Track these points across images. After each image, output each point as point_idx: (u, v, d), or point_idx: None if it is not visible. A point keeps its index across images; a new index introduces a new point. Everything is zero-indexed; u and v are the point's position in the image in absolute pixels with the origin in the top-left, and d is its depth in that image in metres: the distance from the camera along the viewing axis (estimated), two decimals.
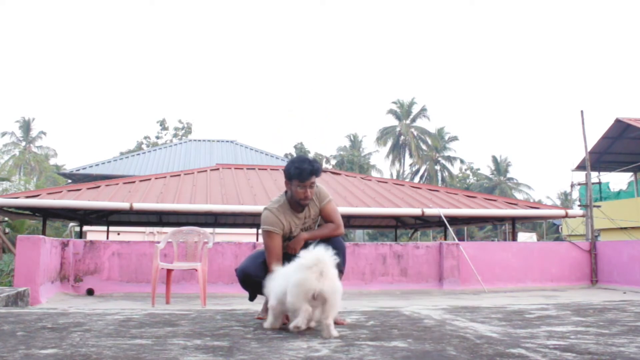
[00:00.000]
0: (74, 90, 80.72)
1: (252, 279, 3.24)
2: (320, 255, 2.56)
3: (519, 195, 42.31)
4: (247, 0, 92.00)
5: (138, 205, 9.16)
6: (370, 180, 13.12)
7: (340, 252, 3.20)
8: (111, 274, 7.59)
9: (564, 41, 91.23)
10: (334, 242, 3.21)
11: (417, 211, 10.13)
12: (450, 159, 45.06)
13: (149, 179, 11.55)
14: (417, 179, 43.80)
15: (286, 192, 3.34)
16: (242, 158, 25.65)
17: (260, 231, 3.37)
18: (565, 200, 39.44)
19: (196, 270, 6.24)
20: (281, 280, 2.76)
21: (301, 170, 3.17)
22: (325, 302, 2.55)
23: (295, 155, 35.69)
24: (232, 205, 9.60)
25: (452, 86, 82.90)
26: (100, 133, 74.78)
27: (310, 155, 33.68)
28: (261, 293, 3.36)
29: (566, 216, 11.24)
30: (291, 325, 2.63)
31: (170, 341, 2.52)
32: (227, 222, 15.13)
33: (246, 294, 3.44)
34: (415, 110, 45.39)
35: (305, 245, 3.21)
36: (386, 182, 12.94)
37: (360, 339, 2.59)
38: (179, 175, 12.08)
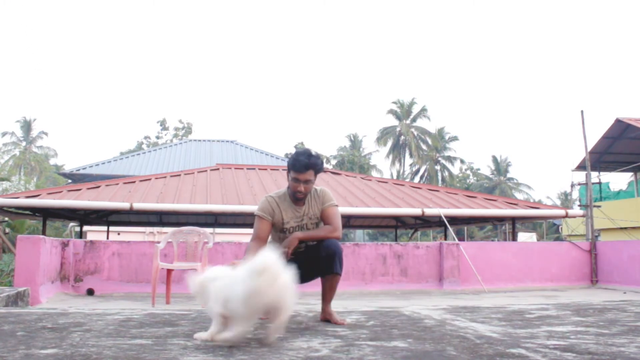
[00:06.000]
0: (74, 91, 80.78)
1: None
2: (270, 260, 2.23)
3: (519, 195, 42.31)
4: (248, 1, 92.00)
5: (138, 205, 9.16)
6: (370, 180, 13.11)
7: (336, 254, 3.19)
8: (111, 274, 7.59)
9: (564, 41, 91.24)
10: (330, 244, 3.21)
11: (417, 211, 10.13)
12: (450, 159, 45.04)
13: (149, 179, 11.55)
14: (417, 179, 43.76)
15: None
16: (242, 158, 25.65)
17: None
18: (565, 200, 39.43)
19: (196, 270, 6.24)
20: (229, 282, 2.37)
21: (295, 161, 3.19)
22: (278, 312, 2.32)
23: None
24: (232, 205, 9.59)
25: (452, 86, 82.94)
26: (100, 133, 74.94)
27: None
28: None
29: (566, 216, 11.25)
30: (222, 337, 2.36)
31: (170, 341, 2.52)
32: (227, 222, 15.13)
33: None
34: (415, 110, 45.37)
35: (300, 245, 3.21)
36: (386, 182, 12.93)
37: (360, 339, 2.59)
38: (179, 175, 12.08)
